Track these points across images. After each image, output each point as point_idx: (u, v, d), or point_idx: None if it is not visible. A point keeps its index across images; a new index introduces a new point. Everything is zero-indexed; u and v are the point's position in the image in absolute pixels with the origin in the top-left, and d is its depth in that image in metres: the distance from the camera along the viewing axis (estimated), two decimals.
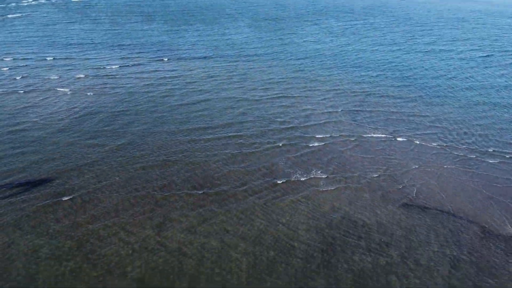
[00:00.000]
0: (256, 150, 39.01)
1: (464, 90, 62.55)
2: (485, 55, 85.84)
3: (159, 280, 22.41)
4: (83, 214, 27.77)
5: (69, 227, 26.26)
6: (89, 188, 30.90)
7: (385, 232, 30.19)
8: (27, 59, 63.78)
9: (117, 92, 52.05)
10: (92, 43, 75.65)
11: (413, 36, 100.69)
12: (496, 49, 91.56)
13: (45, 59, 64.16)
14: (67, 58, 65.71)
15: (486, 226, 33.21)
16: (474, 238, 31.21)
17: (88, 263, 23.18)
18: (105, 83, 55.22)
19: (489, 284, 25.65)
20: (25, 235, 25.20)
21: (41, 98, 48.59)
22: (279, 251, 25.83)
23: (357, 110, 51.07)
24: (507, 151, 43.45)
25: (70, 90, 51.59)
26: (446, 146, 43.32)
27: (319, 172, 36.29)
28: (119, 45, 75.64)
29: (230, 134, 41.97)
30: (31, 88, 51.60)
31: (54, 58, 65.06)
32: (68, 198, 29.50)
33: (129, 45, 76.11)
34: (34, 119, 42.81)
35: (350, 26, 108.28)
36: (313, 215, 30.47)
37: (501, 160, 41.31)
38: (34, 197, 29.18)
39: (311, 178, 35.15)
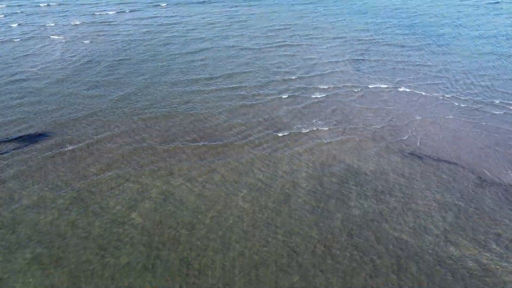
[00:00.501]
0: (258, 101, 38.65)
1: (472, 38, 60.29)
2: (494, 1, 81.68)
3: (162, 229, 23.29)
4: (87, 165, 28.25)
5: (73, 178, 26.83)
6: (92, 139, 31.13)
7: (383, 180, 30.79)
8: (22, 5, 61.33)
9: (115, 40, 50.56)
10: None
11: None
12: None
13: (39, 6, 61.67)
14: (61, 4, 63.10)
15: (484, 175, 33.76)
16: (472, 186, 31.86)
17: (93, 213, 23.96)
18: (102, 31, 53.47)
19: (482, 229, 26.54)
20: (29, 187, 25.81)
21: (38, 46, 47.36)
22: (279, 199, 26.54)
23: (361, 59, 49.75)
24: None
25: (67, 38, 50.11)
26: (451, 96, 42.70)
27: (322, 123, 36.20)
28: None
29: (232, 85, 41.37)
30: (27, 36, 50.12)
31: (48, 4, 62.49)
32: (71, 149, 29.82)
33: None
34: (32, 69, 42.09)
35: None
36: (314, 165, 30.90)
37: (506, 112, 40.90)
38: (37, 149, 29.51)
39: (314, 130, 35.16)
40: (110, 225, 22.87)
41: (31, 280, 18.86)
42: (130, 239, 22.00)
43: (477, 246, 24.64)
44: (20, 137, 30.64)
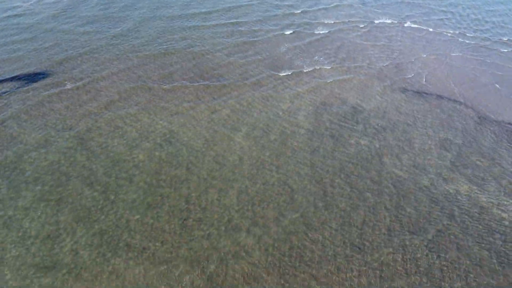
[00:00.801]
0: (259, 38, 37.27)
1: None
2: None
3: (164, 168, 23.71)
4: (86, 104, 28.00)
5: (73, 118, 26.74)
6: (89, 78, 30.54)
7: (385, 118, 30.82)
8: None
9: None
10: None
11: None
12: None
13: None
14: None
15: (486, 113, 33.77)
16: (472, 125, 32.01)
17: (95, 153, 24.24)
18: None
19: (480, 168, 27.11)
20: (30, 127, 25.81)
21: None
22: (279, 139, 26.76)
23: None
24: None
25: None
26: (458, 33, 41.09)
27: (325, 62, 35.28)
28: None
29: (231, 20, 39.59)
30: None
31: None
32: (69, 88, 29.38)
33: None
34: (25, 3, 40.04)
35: None
36: (314, 104, 30.69)
37: None
38: (34, 88, 29.04)
39: (316, 69, 34.36)
40: (112, 164, 23.28)
41: (38, 217, 19.57)
42: (133, 177, 22.53)
43: (473, 185, 25.33)
44: (16, 76, 30.05)
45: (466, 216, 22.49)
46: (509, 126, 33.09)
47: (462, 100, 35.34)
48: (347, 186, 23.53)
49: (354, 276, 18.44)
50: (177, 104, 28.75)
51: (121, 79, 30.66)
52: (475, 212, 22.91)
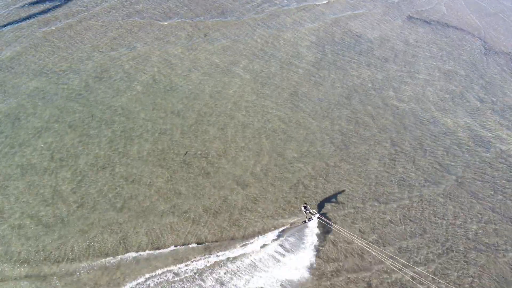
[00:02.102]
0: None
1: None
2: None
3: (168, 101, 22.34)
4: (89, 41, 25.46)
5: (85, 51, 24.62)
6: (86, 13, 27.59)
7: (388, 48, 29.43)
8: None
9: None
10: None
11: None
12: None
13: None
14: None
15: (491, 42, 32.44)
16: (477, 55, 30.81)
17: (102, 83, 22.51)
18: None
19: (482, 99, 26.53)
20: (34, 53, 23.93)
21: None
22: (280, 67, 25.58)
23: None
24: None
25: None
26: None
27: None
28: None
29: None
30: None
31: None
32: (66, 23, 26.79)
33: None
34: None
35: None
36: (317, 33, 28.88)
37: None
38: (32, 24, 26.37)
39: (331, 1, 31.74)
40: (112, 92, 21.94)
41: (48, 140, 19.05)
42: (137, 107, 21.27)
43: (474, 116, 24.87)
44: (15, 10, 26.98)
45: (465, 147, 22.30)
46: None
47: (468, 29, 33.50)
48: (346, 116, 22.50)
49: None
50: (178, 36, 26.45)
51: (119, 16, 27.71)
52: (472, 143, 22.75)
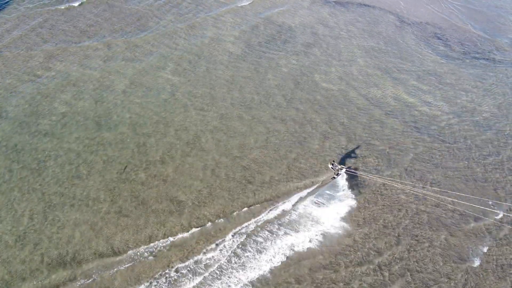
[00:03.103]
0: None
1: None
2: None
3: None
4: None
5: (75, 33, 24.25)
6: None
7: (310, 33, 30.18)
8: None
9: None
10: None
11: None
12: None
13: None
14: None
15: (404, 15, 34.52)
16: (392, 28, 32.59)
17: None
18: None
19: (403, 69, 27.99)
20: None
21: None
22: (210, 62, 25.44)
23: None
24: None
25: None
26: None
27: None
28: None
29: None
30: None
31: None
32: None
33: None
34: None
35: None
36: (240, 28, 29.05)
37: None
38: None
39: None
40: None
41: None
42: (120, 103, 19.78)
43: (399, 85, 26.14)
44: None
45: (397, 114, 23.19)
46: (426, 25, 34.12)
47: (381, 6, 35.37)
48: (280, 101, 22.86)
49: None
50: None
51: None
52: (402, 109, 23.83)
